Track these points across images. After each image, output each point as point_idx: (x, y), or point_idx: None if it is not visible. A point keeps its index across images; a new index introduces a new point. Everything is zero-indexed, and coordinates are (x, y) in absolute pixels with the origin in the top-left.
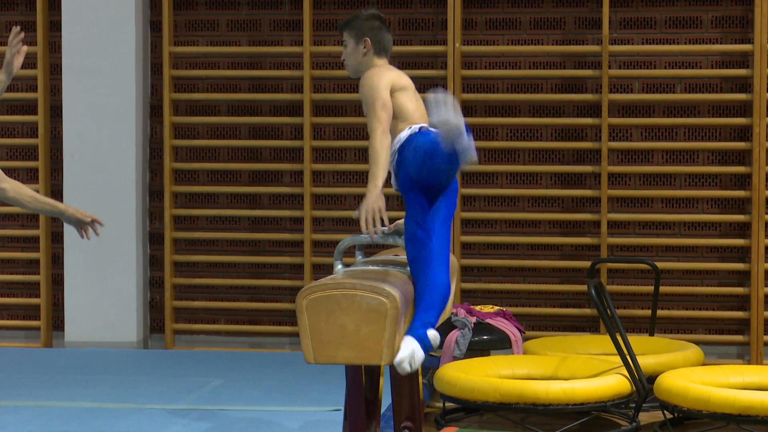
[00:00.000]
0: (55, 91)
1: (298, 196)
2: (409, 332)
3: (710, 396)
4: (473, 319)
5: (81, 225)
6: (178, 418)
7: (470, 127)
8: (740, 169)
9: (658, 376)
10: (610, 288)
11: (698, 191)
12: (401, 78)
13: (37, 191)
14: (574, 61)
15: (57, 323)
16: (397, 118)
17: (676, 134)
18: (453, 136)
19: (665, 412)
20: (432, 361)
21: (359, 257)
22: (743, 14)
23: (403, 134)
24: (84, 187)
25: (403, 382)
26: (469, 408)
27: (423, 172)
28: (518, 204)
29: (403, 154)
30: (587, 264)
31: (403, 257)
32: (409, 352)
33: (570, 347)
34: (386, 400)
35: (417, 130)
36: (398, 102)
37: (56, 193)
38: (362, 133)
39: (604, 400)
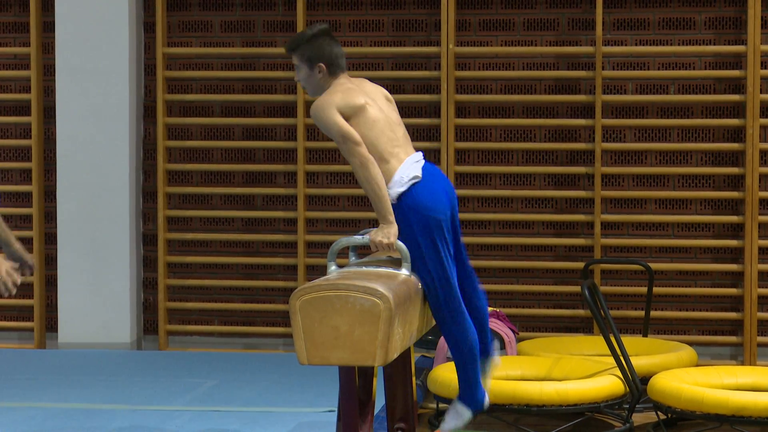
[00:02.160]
0: (48, 92)
1: (292, 197)
2: (461, 399)
3: (703, 397)
4: None
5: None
6: (172, 419)
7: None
8: (734, 170)
9: (651, 377)
10: (603, 289)
11: (692, 192)
12: (350, 95)
13: (30, 192)
14: (568, 62)
15: (50, 324)
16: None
17: (670, 135)
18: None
19: (659, 413)
20: (426, 362)
21: (353, 258)
22: (736, 15)
23: (392, 191)
24: (77, 188)
25: (397, 383)
26: None
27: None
28: (512, 205)
29: (396, 215)
30: (581, 265)
31: (396, 257)
32: (460, 418)
33: (563, 348)
34: (380, 401)
35: (404, 190)
36: (359, 132)
37: (49, 194)
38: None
39: (598, 401)
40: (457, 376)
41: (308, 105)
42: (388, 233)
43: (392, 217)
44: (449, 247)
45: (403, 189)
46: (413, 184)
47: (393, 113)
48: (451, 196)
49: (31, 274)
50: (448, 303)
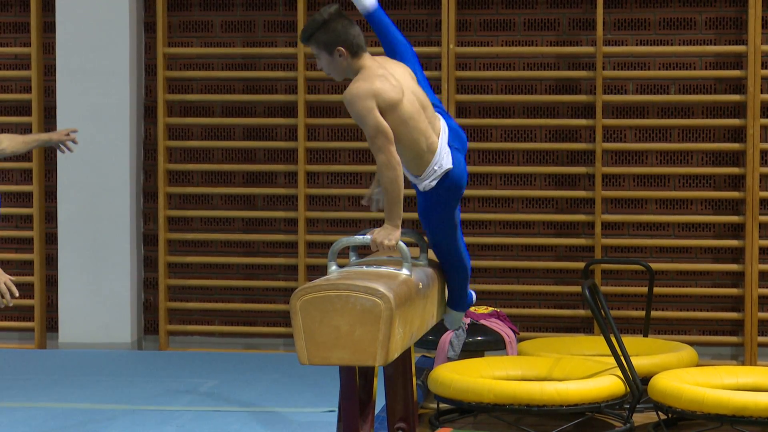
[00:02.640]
0: (49, 92)
1: (292, 197)
2: (455, 308)
3: (704, 397)
4: (467, 320)
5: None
6: (173, 419)
7: (465, 130)
8: (734, 170)
9: (652, 377)
10: (604, 289)
11: (692, 192)
12: (387, 88)
13: (31, 193)
14: (568, 62)
15: (51, 324)
16: (398, 143)
17: (670, 135)
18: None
19: (659, 413)
20: (426, 362)
21: (353, 258)
22: (737, 15)
23: (423, 184)
24: (78, 188)
25: (397, 383)
26: (463, 409)
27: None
28: (512, 205)
29: (426, 205)
30: (581, 265)
31: (397, 257)
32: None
33: (564, 348)
34: (380, 401)
35: (434, 183)
36: (393, 128)
37: (50, 194)
38: (356, 134)
39: (598, 401)
40: (454, 291)
41: (309, 105)
42: (392, 236)
43: (399, 222)
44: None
45: (435, 182)
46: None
47: (419, 92)
48: (465, 147)
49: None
50: (459, 253)
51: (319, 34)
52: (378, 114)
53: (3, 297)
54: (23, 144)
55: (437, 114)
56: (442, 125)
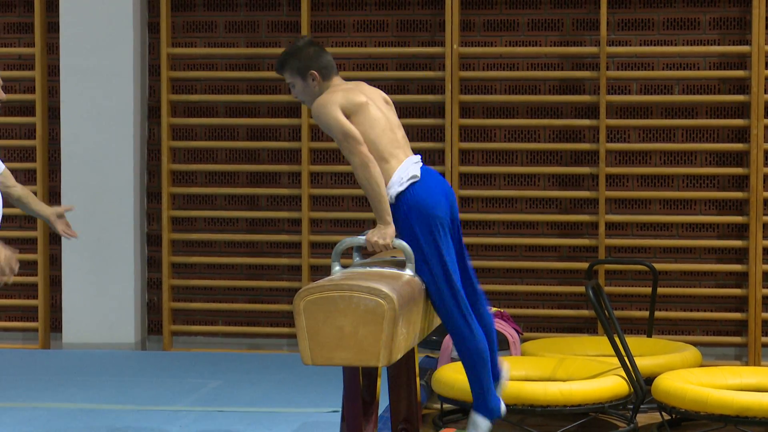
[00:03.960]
0: (53, 92)
1: (296, 198)
2: (476, 409)
3: (708, 397)
4: None
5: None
6: (177, 419)
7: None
8: (738, 170)
9: (655, 377)
10: (607, 289)
11: (696, 192)
12: (351, 94)
13: (35, 193)
14: (572, 63)
15: (55, 324)
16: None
17: (674, 135)
18: None
19: (663, 413)
20: (430, 362)
21: (357, 258)
22: (741, 16)
23: (391, 191)
24: (82, 188)
25: (401, 383)
26: (466, 409)
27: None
28: (516, 205)
29: (396, 215)
30: (585, 265)
31: (400, 257)
32: (479, 430)
33: (568, 348)
34: (384, 402)
35: (403, 189)
36: (360, 130)
37: (54, 194)
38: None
39: (602, 401)
40: (469, 384)
41: None
42: (385, 234)
43: (390, 218)
44: (450, 246)
45: (401, 189)
46: (411, 184)
47: (392, 115)
48: (450, 197)
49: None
50: (453, 300)
51: (293, 62)
52: (343, 118)
53: (3, 274)
54: (34, 201)
55: (410, 153)
56: (418, 158)
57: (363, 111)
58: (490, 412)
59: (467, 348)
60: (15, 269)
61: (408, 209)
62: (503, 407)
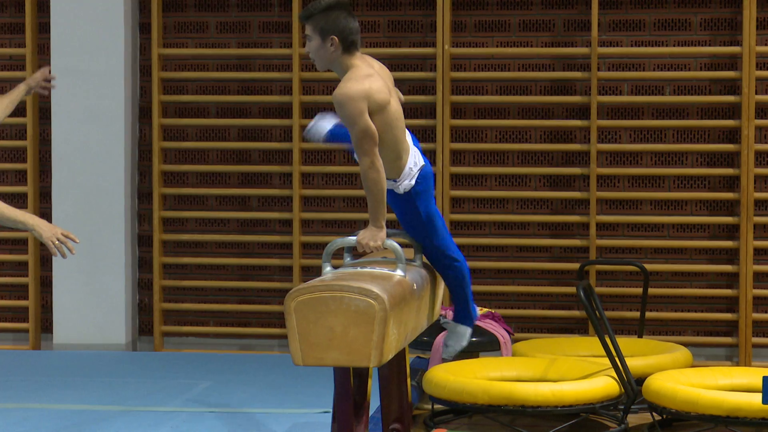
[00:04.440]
0: None
1: (287, 198)
2: (460, 321)
3: (699, 398)
4: None
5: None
6: (167, 420)
7: (460, 131)
8: (729, 171)
9: (646, 377)
10: (598, 290)
11: (687, 193)
12: (376, 88)
13: (25, 193)
14: (563, 63)
15: (45, 325)
16: (382, 145)
17: (665, 136)
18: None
19: (654, 413)
20: (421, 363)
21: (348, 259)
22: (732, 16)
23: (404, 184)
24: (73, 189)
25: (392, 384)
26: (458, 410)
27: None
28: (507, 206)
29: (408, 208)
30: (576, 266)
31: (391, 258)
32: (463, 337)
33: (559, 349)
34: (375, 402)
35: (414, 182)
36: (379, 130)
37: (45, 195)
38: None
39: (593, 402)
40: (454, 300)
41: (304, 106)
42: (376, 236)
43: (383, 223)
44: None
45: (414, 180)
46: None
47: (399, 93)
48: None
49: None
50: (459, 255)
51: (319, 17)
52: (368, 117)
53: (59, 250)
54: (10, 104)
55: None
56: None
57: (384, 111)
58: (471, 320)
59: (461, 271)
60: (75, 240)
61: (423, 191)
62: (478, 311)
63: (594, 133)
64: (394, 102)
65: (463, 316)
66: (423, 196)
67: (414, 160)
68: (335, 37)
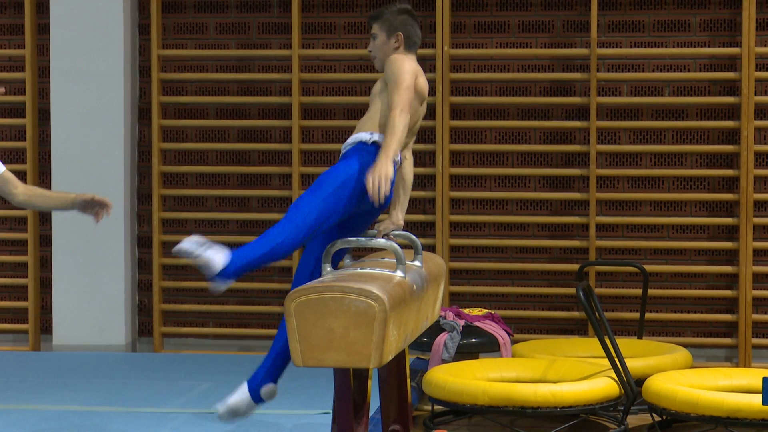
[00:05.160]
0: (43, 94)
1: (287, 199)
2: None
3: (698, 399)
4: (462, 322)
5: (91, 208)
6: (167, 421)
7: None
8: (728, 172)
9: (646, 378)
10: (598, 291)
11: (686, 194)
12: (422, 79)
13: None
14: (563, 64)
15: (45, 326)
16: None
17: (665, 137)
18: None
19: (653, 415)
20: (420, 364)
21: (347, 260)
22: (731, 17)
23: (376, 136)
24: (72, 189)
25: (392, 385)
26: (457, 411)
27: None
28: (506, 207)
29: (349, 162)
30: (576, 267)
31: (391, 259)
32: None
33: (558, 350)
34: (375, 403)
35: (375, 142)
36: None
37: None
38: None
39: (593, 403)
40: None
41: (303, 107)
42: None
43: (391, 154)
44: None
45: (375, 139)
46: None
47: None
48: None
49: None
50: (316, 218)
51: (390, 16)
52: (412, 79)
53: (99, 214)
54: (43, 198)
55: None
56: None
57: (418, 100)
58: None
59: (281, 242)
60: (108, 204)
61: (366, 153)
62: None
63: (593, 134)
64: (422, 110)
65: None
66: (363, 170)
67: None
68: (401, 34)
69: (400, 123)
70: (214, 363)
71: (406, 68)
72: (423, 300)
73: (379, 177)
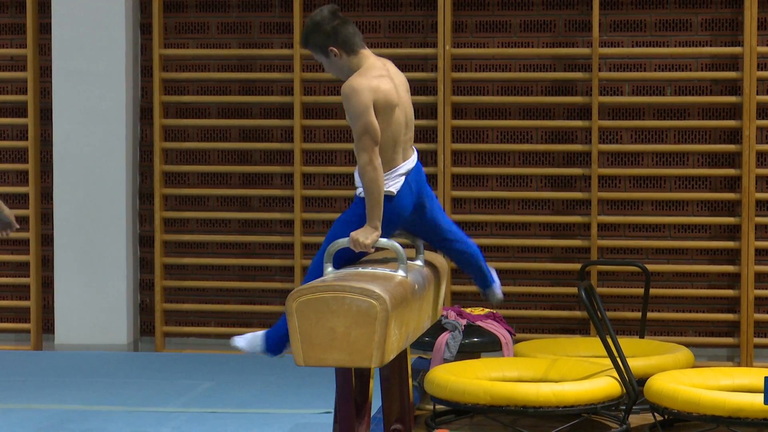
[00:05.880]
0: (45, 93)
1: (289, 199)
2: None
3: (700, 398)
4: (464, 322)
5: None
6: (169, 420)
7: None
8: (730, 171)
9: (648, 378)
10: (600, 290)
11: (688, 193)
12: (386, 89)
13: (27, 194)
14: (565, 64)
15: (47, 326)
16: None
17: (666, 137)
18: None
19: (655, 414)
20: (422, 363)
21: None
22: (733, 17)
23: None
24: (74, 189)
25: (393, 384)
26: (459, 410)
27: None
28: (508, 206)
29: (350, 215)
30: (577, 266)
31: (392, 258)
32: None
33: (560, 349)
34: (376, 403)
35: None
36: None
37: (46, 195)
38: (352, 135)
39: (595, 402)
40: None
41: (305, 106)
42: (368, 235)
43: (379, 223)
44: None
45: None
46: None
47: (410, 108)
48: (417, 205)
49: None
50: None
51: (313, 37)
52: (372, 114)
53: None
54: None
55: (413, 148)
56: (413, 157)
57: (389, 112)
58: (270, 345)
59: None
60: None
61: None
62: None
63: (595, 133)
64: (400, 113)
65: (270, 341)
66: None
67: (390, 181)
68: (333, 48)
69: (374, 183)
70: (215, 362)
71: (360, 101)
72: (425, 299)
73: (357, 242)
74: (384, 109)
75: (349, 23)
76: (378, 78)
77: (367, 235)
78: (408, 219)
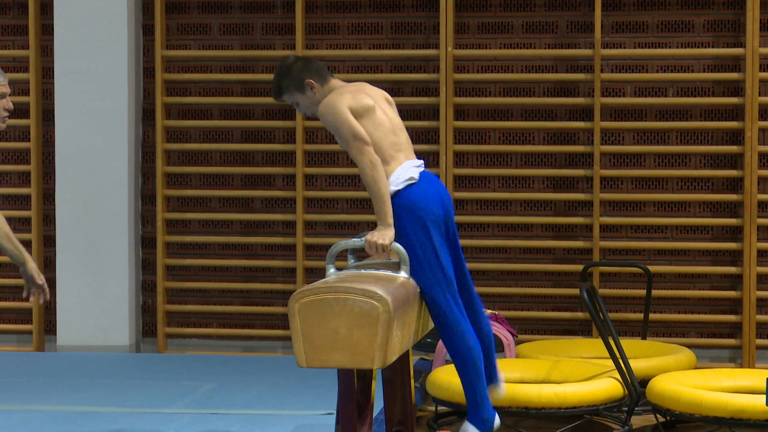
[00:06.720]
0: (47, 94)
1: (291, 200)
2: (470, 419)
3: (702, 399)
4: None
5: (33, 284)
6: (171, 421)
7: (463, 133)
8: (732, 172)
9: (650, 379)
10: (602, 291)
11: (690, 195)
12: (359, 96)
13: (29, 195)
14: (567, 65)
15: (49, 327)
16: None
17: (668, 138)
18: None
19: (657, 415)
20: (424, 364)
21: (351, 261)
22: (735, 18)
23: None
24: (76, 190)
25: (396, 386)
26: (461, 412)
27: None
28: (510, 207)
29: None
30: (579, 267)
31: (395, 260)
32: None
33: (562, 351)
34: (378, 404)
35: (399, 189)
36: (367, 131)
37: (48, 196)
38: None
39: (597, 403)
40: (463, 390)
41: None
42: (385, 235)
43: (391, 221)
44: (445, 247)
45: (397, 188)
46: (407, 186)
47: (395, 117)
48: (446, 203)
49: (38, 297)
50: (447, 302)
51: (286, 82)
52: (352, 118)
53: (33, 294)
54: (5, 239)
55: (413, 156)
56: (420, 162)
57: (370, 114)
58: (482, 424)
59: (461, 357)
60: (44, 289)
61: (402, 210)
62: (498, 420)
63: (597, 134)
64: (380, 113)
65: (473, 415)
66: (405, 226)
67: (405, 173)
68: (309, 80)
69: (377, 182)
70: (218, 364)
71: (336, 110)
72: None
73: (375, 246)
74: (364, 111)
75: (313, 59)
76: (348, 91)
77: (382, 236)
78: (441, 218)
